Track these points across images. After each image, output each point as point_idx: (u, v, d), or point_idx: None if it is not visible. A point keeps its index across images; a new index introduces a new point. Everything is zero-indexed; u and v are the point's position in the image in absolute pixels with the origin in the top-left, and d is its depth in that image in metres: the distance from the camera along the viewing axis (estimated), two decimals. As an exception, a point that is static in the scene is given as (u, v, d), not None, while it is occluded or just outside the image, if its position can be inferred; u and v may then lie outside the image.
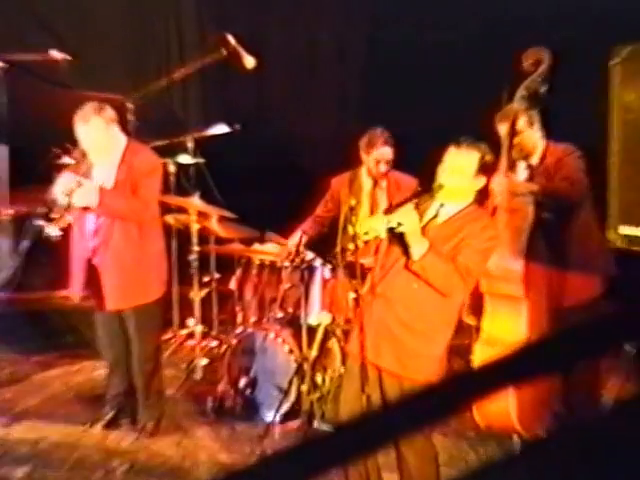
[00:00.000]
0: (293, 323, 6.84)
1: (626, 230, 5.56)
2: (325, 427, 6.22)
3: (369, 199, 6.75)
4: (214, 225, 7.38)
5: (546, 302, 5.66)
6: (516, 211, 5.65)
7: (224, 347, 7.17)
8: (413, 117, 7.85)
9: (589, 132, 5.95)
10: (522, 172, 5.92)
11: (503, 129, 5.80)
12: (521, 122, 5.84)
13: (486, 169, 5.10)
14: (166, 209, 7.21)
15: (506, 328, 5.53)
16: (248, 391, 6.89)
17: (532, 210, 5.64)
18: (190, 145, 7.84)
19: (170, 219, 7.47)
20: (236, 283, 7.49)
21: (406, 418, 1.54)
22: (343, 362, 6.24)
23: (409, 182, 6.42)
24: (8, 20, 10.25)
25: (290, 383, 6.50)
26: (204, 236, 7.60)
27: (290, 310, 7.02)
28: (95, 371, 7.56)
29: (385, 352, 5.13)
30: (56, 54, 8.76)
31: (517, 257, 5.56)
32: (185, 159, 7.82)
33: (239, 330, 7.16)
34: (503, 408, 5.39)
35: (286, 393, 6.54)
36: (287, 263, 6.93)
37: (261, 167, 8.88)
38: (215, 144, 7.90)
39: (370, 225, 5.05)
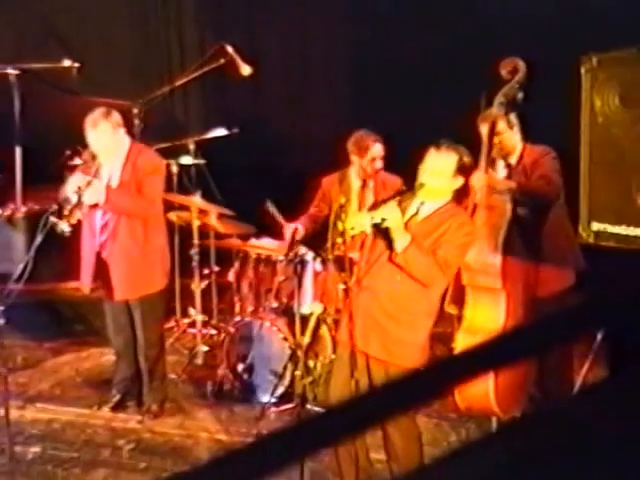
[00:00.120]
0: (287, 312, 6.84)
1: (596, 226, 5.56)
2: (317, 409, 6.21)
3: (358, 197, 6.74)
4: (213, 221, 7.38)
5: (522, 293, 5.66)
6: (494, 209, 5.65)
7: (223, 335, 7.18)
8: (399, 120, 7.84)
9: (562, 135, 5.95)
10: (501, 170, 5.92)
11: (484, 130, 5.81)
12: (501, 124, 5.85)
13: (464, 170, 5.12)
14: (169, 207, 7.20)
15: (486, 317, 5.54)
16: (245, 376, 6.89)
17: (510, 208, 5.65)
18: (191, 147, 7.82)
19: (173, 216, 7.46)
20: (234, 275, 7.48)
21: (392, 401, 1.54)
22: (334, 349, 6.24)
23: (394, 181, 6.42)
24: (21, 31, 10.23)
25: (284, 368, 6.50)
26: (204, 232, 7.60)
27: (284, 300, 7.03)
28: (103, 357, 7.55)
29: (372, 340, 5.14)
30: (66, 63, 8.76)
31: (495, 252, 5.56)
32: (187, 160, 7.81)
33: (237, 319, 7.17)
34: (483, 391, 5.39)
35: (281, 377, 6.54)
36: (281, 257, 6.94)
37: (257, 167, 8.88)
38: (214, 146, 7.90)
39: (356, 221, 5.07)
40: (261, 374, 6.80)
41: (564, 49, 5.95)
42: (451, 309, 5.72)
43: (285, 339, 6.68)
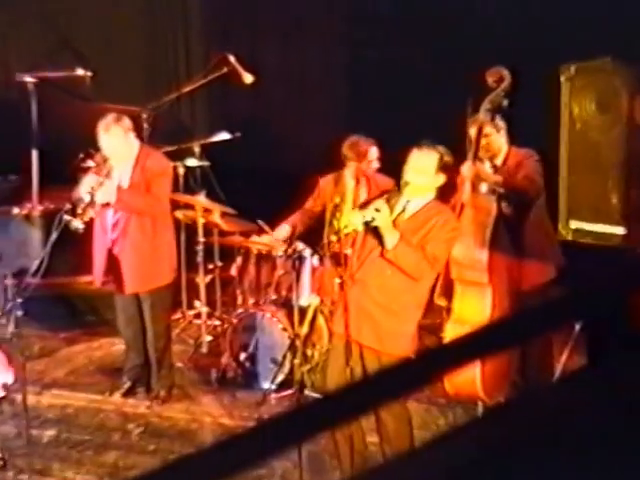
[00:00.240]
0: (286, 305, 6.83)
1: (574, 224, 5.57)
2: (314, 395, 6.21)
3: (352, 197, 6.73)
4: (217, 219, 7.37)
5: (507, 287, 5.67)
6: (481, 208, 5.65)
7: (226, 325, 7.17)
8: (391, 123, 7.84)
9: (543, 139, 5.96)
10: (488, 171, 5.91)
11: (473, 132, 5.81)
12: (489, 128, 5.85)
13: (445, 168, 5.15)
14: (176, 205, 7.19)
15: (473, 309, 5.54)
16: (247, 364, 6.88)
17: (495, 207, 5.65)
18: (197, 150, 7.81)
19: (179, 214, 7.45)
20: (237, 270, 7.48)
21: (384, 387, 1.54)
22: (330, 339, 6.23)
23: (386, 182, 6.40)
24: (38, 42, 10.21)
25: (284, 357, 6.50)
26: (208, 229, 7.58)
27: (284, 293, 7.02)
28: (114, 347, 7.54)
29: (365, 331, 5.14)
30: (80, 72, 8.75)
31: (482, 248, 5.57)
32: (192, 162, 7.79)
33: (239, 311, 7.16)
34: (470, 379, 5.39)
35: (280, 365, 6.54)
36: (281, 253, 6.94)
37: (258, 169, 8.86)
38: (218, 149, 7.89)
39: (349, 220, 5.09)
40: (262, 362, 6.79)
41: (545, 59, 5.95)
42: (441, 301, 5.72)
43: (284, 329, 6.67)
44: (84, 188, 6.17)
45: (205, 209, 7.39)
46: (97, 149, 6.41)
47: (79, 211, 6.05)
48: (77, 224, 6.03)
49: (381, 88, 8.81)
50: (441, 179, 5.16)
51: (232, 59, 7.93)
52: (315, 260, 6.75)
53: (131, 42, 10.05)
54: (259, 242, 7.20)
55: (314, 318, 6.49)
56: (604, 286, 1.75)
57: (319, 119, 9.37)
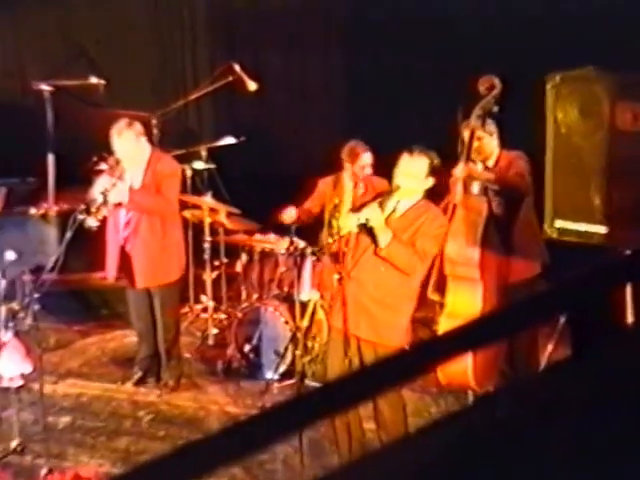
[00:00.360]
0: (288, 299, 6.83)
1: (559, 224, 5.56)
2: (315, 384, 6.21)
3: (350, 199, 6.72)
4: (223, 219, 7.37)
5: (496, 282, 5.67)
6: (473, 209, 5.65)
7: (232, 319, 7.17)
8: (386, 129, 7.84)
9: (530, 143, 5.96)
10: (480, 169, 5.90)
11: (466, 135, 5.81)
12: (480, 132, 5.85)
13: (434, 172, 5.15)
14: (184, 206, 7.19)
15: (465, 303, 5.53)
16: (251, 355, 6.88)
17: (486, 208, 5.66)
18: (203, 153, 7.81)
19: (187, 214, 7.45)
20: (241, 267, 7.48)
21: (381, 377, 1.54)
22: (329, 331, 6.23)
23: (382, 184, 6.40)
24: (54, 52, 10.21)
25: (286, 348, 6.49)
26: (215, 228, 7.59)
27: (286, 289, 7.02)
28: (126, 338, 7.54)
29: (362, 324, 5.15)
30: (93, 80, 8.74)
31: (474, 246, 5.57)
32: (199, 165, 7.79)
33: (244, 305, 7.17)
34: (462, 369, 5.38)
35: (283, 356, 6.53)
36: (283, 251, 6.94)
37: (261, 171, 8.86)
38: (224, 153, 7.89)
39: (345, 222, 5.10)
40: (265, 353, 6.79)
41: (532, 68, 5.95)
42: (434, 296, 5.72)
43: (286, 323, 6.67)
44: (98, 189, 6.16)
45: (211, 209, 7.39)
46: (110, 153, 6.41)
47: (93, 210, 6.05)
48: (91, 222, 6.03)
49: (379, 94, 8.81)
50: (430, 182, 5.17)
51: (237, 68, 7.93)
52: (315, 257, 6.75)
53: (142, 53, 10.06)
54: (263, 240, 7.22)
55: (314, 312, 6.49)
56: (588, 281, 1.75)
57: (319, 124, 9.38)
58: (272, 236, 7.17)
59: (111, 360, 7.28)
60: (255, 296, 7.31)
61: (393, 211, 5.15)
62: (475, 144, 5.80)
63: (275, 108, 9.42)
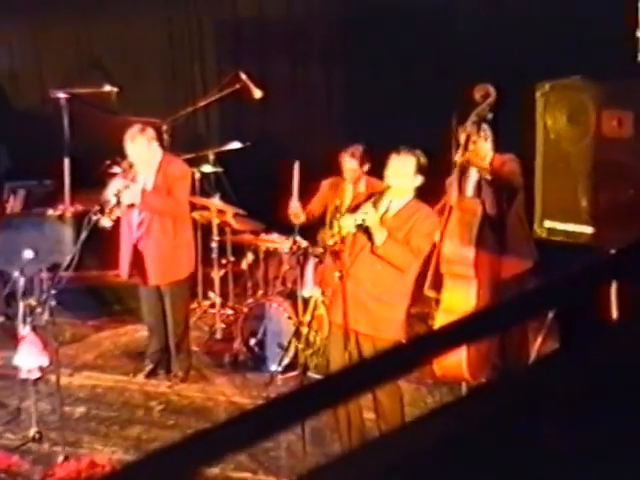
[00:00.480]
0: (291, 296, 6.84)
1: (548, 224, 5.55)
2: (316, 376, 6.21)
3: (350, 200, 6.72)
4: (230, 220, 7.37)
5: (490, 279, 5.68)
6: (468, 210, 5.66)
7: (238, 314, 7.17)
8: (388, 136, 7.83)
9: (521, 148, 5.96)
10: (475, 173, 5.89)
11: (462, 138, 5.80)
12: (476, 136, 5.84)
13: (422, 170, 5.17)
14: (193, 207, 7.19)
15: (461, 300, 5.53)
16: (257, 348, 6.88)
17: (480, 209, 5.66)
18: (211, 157, 7.81)
19: (196, 215, 7.45)
20: (247, 265, 7.49)
21: (380, 370, 1.54)
22: (329, 326, 6.23)
23: (381, 186, 6.40)
24: (70, 62, 10.22)
25: (289, 342, 6.49)
26: (222, 228, 7.58)
27: (289, 286, 7.02)
28: (137, 333, 7.54)
29: (360, 319, 5.15)
30: (107, 88, 8.75)
31: (469, 246, 5.57)
32: (207, 168, 7.79)
33: (250, 301, 7.17)
34: (456, 361, 5.38)
35: (286, 350, 6.53)
36: (287, 250, 6.95)
37: (266, 174, 8.86)
38: (231, 157, 7.89)
39: (342, 223, 5.10)
40: (270, 347, 6.79)
41: (523, 77, 5.95)
42: (431, 293, 5.72)
43: (290, 318, 6.67)
44: (111, 191, 6.17)
45: (219, 210, 7.39)
46: (123, 157, 6.41)
47: (107, 211, 6.06)
48: (105, 222, 6.04)
49: (380, 102, 8.81)
50: (419, 180, 5.20)
51: (243, 76, 7.93)
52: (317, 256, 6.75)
53: (153, 62, 10.06)
54: (267, 240, 7.22)
55: (316, 308, 6.49)
56: (575, 279, 1.75)
57: (321, 129, 9.38)
58: (276, 236, 7.17)
59: (124, 353, 7.28)
60: (260, 293, 7.32)
61: (386, 211, 5.16)
62: (470, 147, 5.80)
63: (279, 114, 9.41)
